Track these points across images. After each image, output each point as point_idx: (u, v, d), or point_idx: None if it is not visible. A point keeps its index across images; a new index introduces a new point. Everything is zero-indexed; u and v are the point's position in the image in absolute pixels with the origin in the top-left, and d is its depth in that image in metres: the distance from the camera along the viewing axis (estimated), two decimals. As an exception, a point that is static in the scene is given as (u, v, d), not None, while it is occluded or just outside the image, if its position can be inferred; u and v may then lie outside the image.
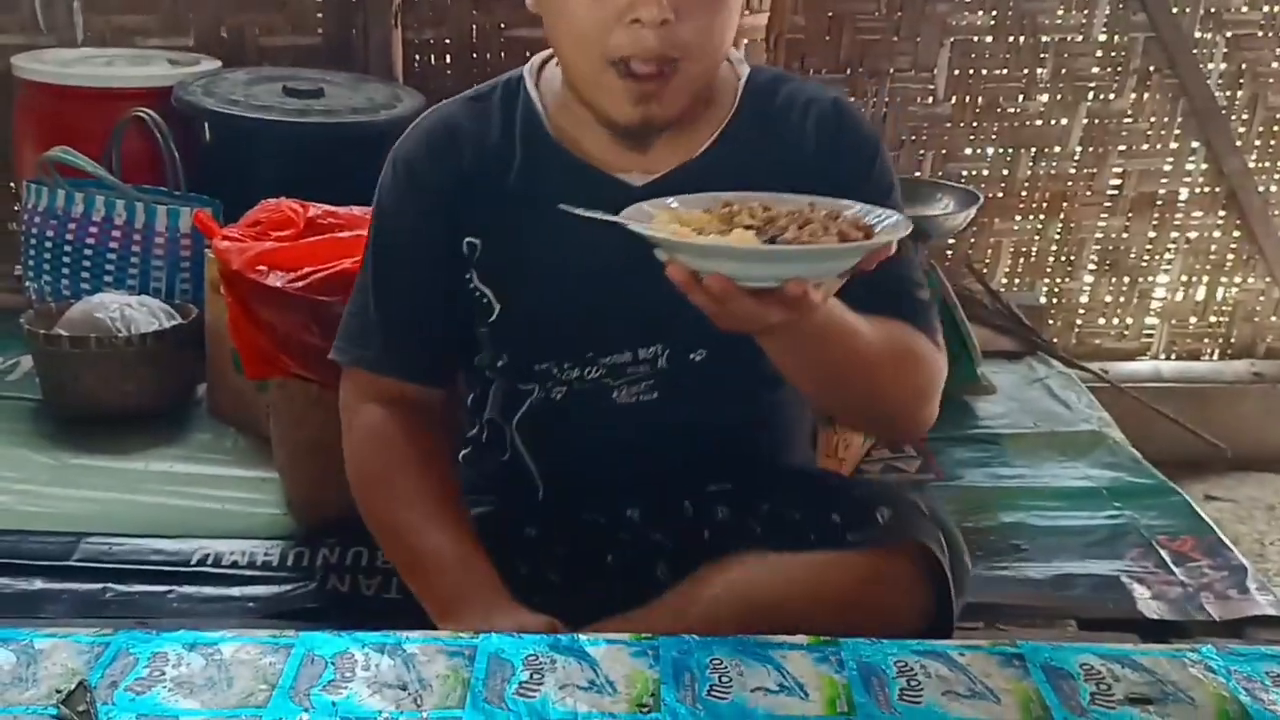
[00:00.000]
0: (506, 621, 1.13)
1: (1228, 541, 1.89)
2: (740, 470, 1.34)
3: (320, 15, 2.85)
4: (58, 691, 0.91)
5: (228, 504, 1.91)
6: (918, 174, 2.98)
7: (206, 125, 2.54)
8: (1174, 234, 3.10)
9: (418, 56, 2.87)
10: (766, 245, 0.97)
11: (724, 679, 0.96)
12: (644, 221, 1.03)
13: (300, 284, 1.67)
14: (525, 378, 1.32)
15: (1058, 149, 3.02)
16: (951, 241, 3.04)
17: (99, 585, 1.68)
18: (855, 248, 0.98)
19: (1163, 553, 1.85)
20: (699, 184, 1.18)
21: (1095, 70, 2.96)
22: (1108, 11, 2.92)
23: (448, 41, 2.87)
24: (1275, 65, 2.96)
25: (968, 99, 2.98)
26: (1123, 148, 3.02)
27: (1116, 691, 0.96)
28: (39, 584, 1.68)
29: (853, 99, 2.94)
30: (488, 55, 2.86)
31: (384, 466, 1.29)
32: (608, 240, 1.05)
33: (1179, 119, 2.99)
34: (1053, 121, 3.01)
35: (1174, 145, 3.02)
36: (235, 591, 1.68)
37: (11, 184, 2.81)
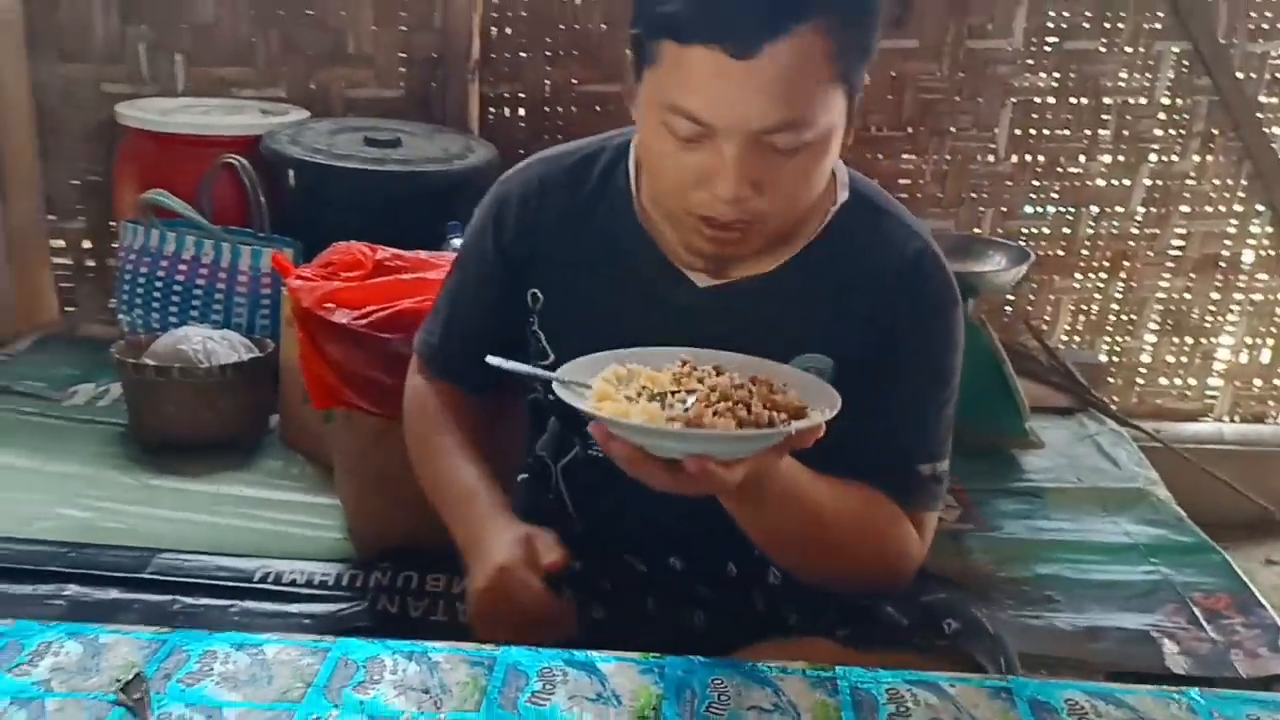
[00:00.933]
0: (508, 539, 1.23)
1: (1263, 600, 1.89)
2: None
3: (403, 69, 2.98)
4: (117, 680, 0.99)
5: (292, 527, 2.01)
6: (976, 230, 3.02)
7: (291, 171, 2.66)
8: (1238, 295, 3.10)
9: (492, 109, 2.99)
10: (646, 424, 0.99)
11: (723, 697, 1.02)
12: (598, 369, 1.08)
13: (363, 321, 1.77)
14: (571, 423, 1.38)
15: (1119, 209, 3.04)
16: (1011, 298, 3.08)
17: (168, 597, 1.78)
18: (736, 436, 0.99)
19: (1196, 610, 1.86)
20: (761, 296, 1.24)
21: (1158, 132, 2.98)
22: (1171, 75, 2.94)
23: (521, 95, 2.98)
24: (1341, 130, 2.96)
25: (1029, 158, 3.01)
26: (1186, 209, 3.03)
27: (1096, 727, 1.00)
28: (114, 594, 1.78)
29: (914, 156, 3.01)
30: (559, 109, 2.96)
31: (420, 428, 1.43)
32: (660, 320, 1.11)
33: (1243, 181, 3.00)
34: (1115, 182, 3.03)
35: (1238, 208, 3.03)
36: (293, 608, 1.77)
37: (111, 223, 2.99)
